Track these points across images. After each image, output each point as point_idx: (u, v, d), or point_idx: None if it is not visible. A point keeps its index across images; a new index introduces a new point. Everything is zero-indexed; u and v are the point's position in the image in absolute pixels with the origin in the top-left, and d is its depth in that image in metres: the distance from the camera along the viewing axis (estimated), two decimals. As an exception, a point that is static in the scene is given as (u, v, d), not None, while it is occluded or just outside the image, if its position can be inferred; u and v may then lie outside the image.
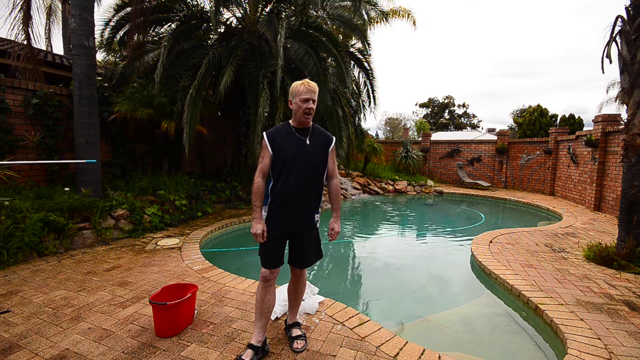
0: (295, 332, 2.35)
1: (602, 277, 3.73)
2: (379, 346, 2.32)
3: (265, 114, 6.63)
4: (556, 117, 18.90)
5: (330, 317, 2.70)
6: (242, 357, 2.07)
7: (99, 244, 4.56)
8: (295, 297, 2.39)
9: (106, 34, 7.12)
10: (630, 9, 4.10)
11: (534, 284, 3.50)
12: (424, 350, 2.28)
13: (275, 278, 2.20)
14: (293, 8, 7.31)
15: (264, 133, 2.16)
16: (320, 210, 2.25)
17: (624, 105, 4.31)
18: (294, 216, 2.13)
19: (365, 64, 8.67)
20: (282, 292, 2.87)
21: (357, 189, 11.25)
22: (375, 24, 11.73)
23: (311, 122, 2.20)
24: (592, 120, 8.41)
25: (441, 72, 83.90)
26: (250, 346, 2.13)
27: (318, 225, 2.28)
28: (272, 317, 2.63)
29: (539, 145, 11.81)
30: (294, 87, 2.11)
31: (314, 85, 2.11)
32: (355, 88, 9.40)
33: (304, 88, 2.07)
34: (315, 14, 7.58)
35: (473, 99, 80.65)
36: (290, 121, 2.21)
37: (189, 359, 2.14)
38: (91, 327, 2.50)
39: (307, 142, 2.14)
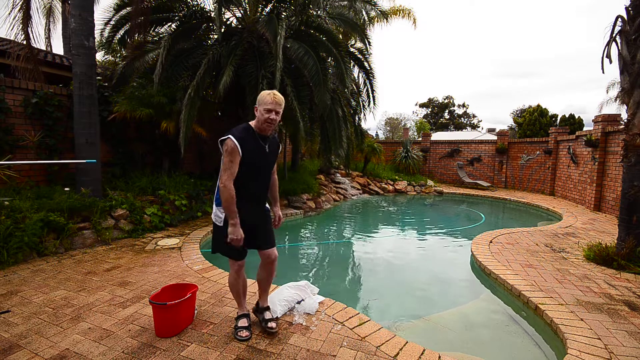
0: (268, 315, 2.52)
1: (602, 277, 3.74)
2: (379, 346, 2.32)
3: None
4: (556, 117, 18.94)
5: (330, 317, 2.71)
6: (239, 325, 2.41)
7: (99, 244, 4.56)
8: (267, 279, 2.52)
9: (106, 33, 7.12)
10: (630, 9, 4.10)
11: (534, 284, 3.50)
12: (424, 350, 2.28)
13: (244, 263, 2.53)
14: (293, 8, 7.30)
15: (232, 137, 2.12)
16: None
17: (624, 105, 4.31)
18: (255, 212, 2.38)
19: (365, 64, 8.67)
20: (281, 292, 2.87)
21: (357, 189, 11.25)
22: (375, 23, 11.73)
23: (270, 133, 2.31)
24: (592, 120, 8.39)
25: (441, 72, 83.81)
26: (243, 315, 2.48)
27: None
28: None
29: (539, 145, 11.81)
30: (261, 96, 2.18)
31: (280, 98, 2.18)
32: (355, 88, 9.40)
33: (270, 99, 2.14)
34: (315, 13, 7.57)
35: (473, 99, 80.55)
36: (252, 124, 2.25)
37: (189, 359, 2.14)
38: (91, 327, 2.50)
39: (267, 149, 2.31)
